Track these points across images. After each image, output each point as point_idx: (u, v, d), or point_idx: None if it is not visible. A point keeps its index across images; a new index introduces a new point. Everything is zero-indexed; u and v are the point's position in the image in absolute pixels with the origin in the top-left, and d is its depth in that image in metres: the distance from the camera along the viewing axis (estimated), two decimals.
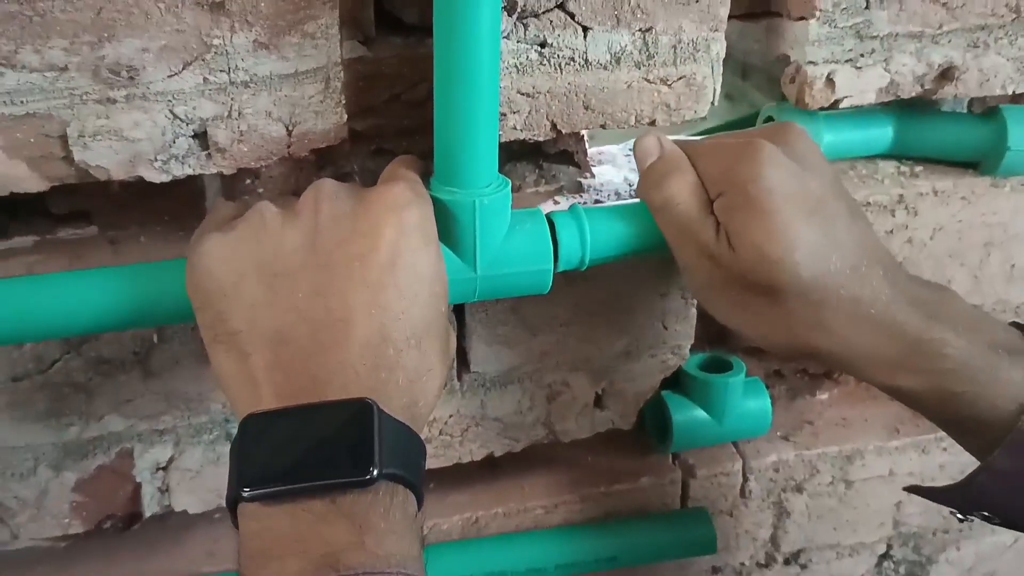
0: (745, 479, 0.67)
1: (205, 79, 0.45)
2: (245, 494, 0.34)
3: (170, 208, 0.54)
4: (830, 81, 0.55)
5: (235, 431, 0.54)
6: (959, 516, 0.48)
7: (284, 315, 0.38)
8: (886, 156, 0.62)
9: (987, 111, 0.61)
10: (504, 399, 0.59)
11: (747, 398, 0.64)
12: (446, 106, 0.42)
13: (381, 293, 0.38)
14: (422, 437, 0.39)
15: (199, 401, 0.53)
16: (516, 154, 0.58)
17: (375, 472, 0.34)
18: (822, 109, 0.57)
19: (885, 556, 0.76)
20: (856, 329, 0.44)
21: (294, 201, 0.41)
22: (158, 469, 0.55)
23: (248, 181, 0.54)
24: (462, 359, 0.57)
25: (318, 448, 0.35)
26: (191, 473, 0.55)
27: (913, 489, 0.50)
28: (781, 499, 0.68)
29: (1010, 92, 0.59)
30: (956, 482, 0.46)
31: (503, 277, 0.45)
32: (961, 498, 0.46)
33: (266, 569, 0.34)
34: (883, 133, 0.61)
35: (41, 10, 0.41)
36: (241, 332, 0.38)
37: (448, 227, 0.44)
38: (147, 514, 0.55)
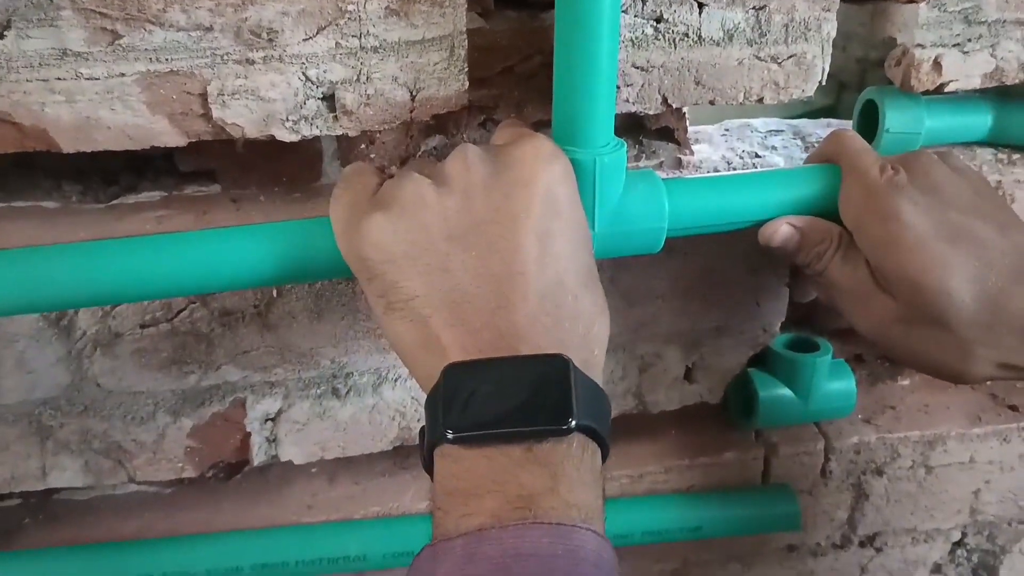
0: (827, 459, 0.67)
1: (337, 43, 0.47)
2: (449, 436, 0.36)
3: (288, 170, 0.56)
4: (937, 64, 0.55)
5: (342, 388, 0.57)
6: None
7: (461, 275, 0.39)
8: (983, 143, 0.63)
9: None
10: None
11: (832, 379, 0.64)
12: (568, 66, 0.43)
13: (551, 242, 0.39)
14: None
15: (310, 356, 0.55)
16: (618, 129, 0.59)
17: (573, 423, 0.36)
18: (926, 93, 0.57)
19: (959, 543, 0.76)
20: None
21: (439, 166, 0.42)
22: (267, 420, 0.57)
23: (363, 146, 0.56)
24: None
25: (519, 398, 0.36)
26: (298, 425, 0.57)
27: None
28: (861, 481, 0.69)
29: None
30: None
31: (619, 235, 0.46)
32: None
33: (465, 506, 0.35)
34: (982, 120, 0.62)
35: None
36: (418, 297, 0.39)
37: None
38: (255, 462, 0.58)
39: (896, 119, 0.59)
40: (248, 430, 0.57)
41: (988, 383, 0.74)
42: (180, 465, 0.57)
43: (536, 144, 0.42)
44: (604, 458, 0.39)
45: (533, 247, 0.39)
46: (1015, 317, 0.45)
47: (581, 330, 0.39)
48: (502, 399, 0.36)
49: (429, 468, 0.38)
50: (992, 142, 0.63)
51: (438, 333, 0.39)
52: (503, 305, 0.38)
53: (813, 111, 0.98)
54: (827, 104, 1.03)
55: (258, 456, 0.58)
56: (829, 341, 0.64)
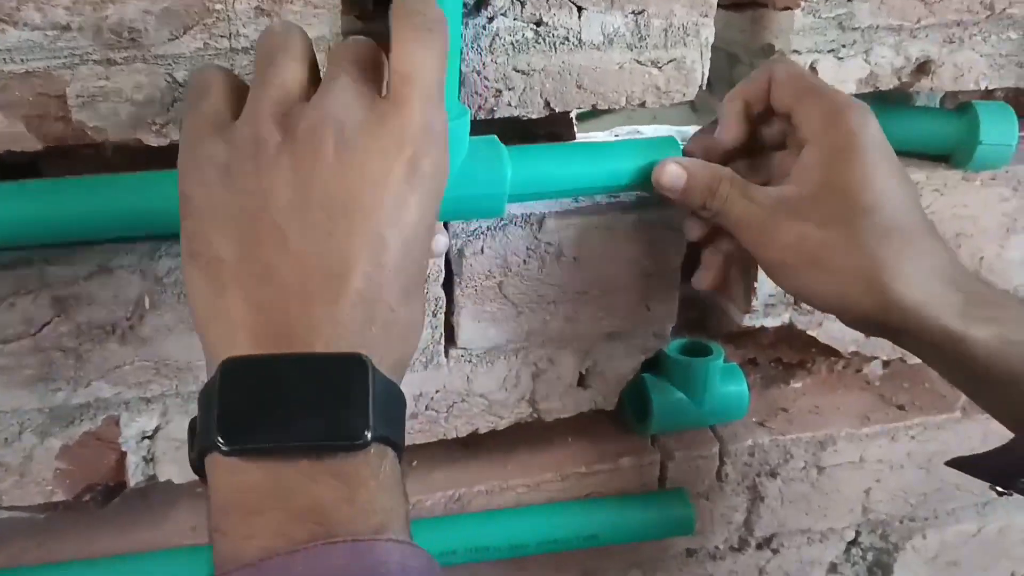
0: (722, 462, 0.68)
1: (205, 44, 0.45)
2: (224, 448, 0.32)
3: None
4: (813, 70, 0.57)
5: None
6: (998, 490, 0.51)
7: (274, 255, 0.35)
8: None
9: (960, 106, 0.63)
10: (490, 376, 0.60)
11: (725, 382, 0.65)
12: None
13: (383, 253, 0.36)
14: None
15: (188, 370, 0.53)
16: (506, 135, 0.59)
17: (369, 436, 0.33)
18: None
19: (853, 542, 0.77)
20: (930, 277, 0.47)
21: (302, 107, 0.37)
22: (144, 438, 0.55)
23: None
24: (449, 335, 0.58)
25: (308, 404, 0.33)
26: (177, 443, 0.55)
27: (954, 463, 0.53)
28: (756, 483, 0.70)
29: (983, 87, 0.61)
30: (997, 447, 0.49)
31: (460, 199, 0.47)
32: (1003, 463, 0.49)
33: (246, 526, 0.32)
34: None
35: None
36: (224, 263, 0.35)
37: None
38: (132, 483, 0.55)
39: None
40: (123, 449, 0.54)
41: (877, 383, 0.76)
42: (50, 488, 0.54)
43: (410, 127, 0.37)
44: (399, 458, 0.36)
45: (360, 253, 0.35)
46: (919, 253, 0.48)
47: (394, 338, 0.37)
48: (289, 405, 0.32)
49: (200, 472, 0.34)
50: None
51: (231, 310, 0.35)
52: (306, 300, 0.34)
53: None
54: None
55: (135, 476, 0.55)
56: (721, 345, 0.65)
